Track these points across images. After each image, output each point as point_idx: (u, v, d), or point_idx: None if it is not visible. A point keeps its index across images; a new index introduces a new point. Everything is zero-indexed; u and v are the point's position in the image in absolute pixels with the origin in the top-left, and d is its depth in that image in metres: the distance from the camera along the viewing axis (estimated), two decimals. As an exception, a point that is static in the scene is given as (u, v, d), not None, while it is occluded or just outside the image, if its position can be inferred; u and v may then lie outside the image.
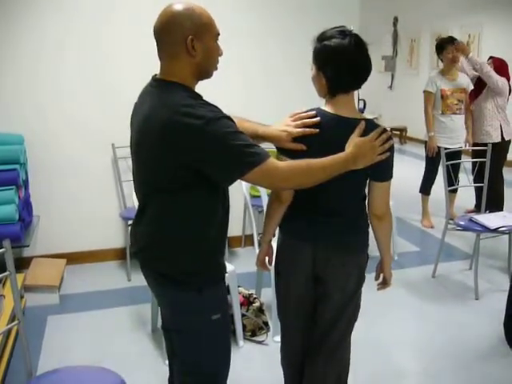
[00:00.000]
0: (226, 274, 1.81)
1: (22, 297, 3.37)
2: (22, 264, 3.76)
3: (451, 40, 4.76)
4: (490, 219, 3.59)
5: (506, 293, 3.01)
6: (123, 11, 3.85)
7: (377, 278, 2.07)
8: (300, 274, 1.93)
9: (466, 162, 4.53)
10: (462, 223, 3.68)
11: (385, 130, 1.77)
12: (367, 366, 2.75)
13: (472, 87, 4.86)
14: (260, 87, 4.24)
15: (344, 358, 2.03)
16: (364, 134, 1.73)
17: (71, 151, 3.94)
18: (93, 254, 4.13)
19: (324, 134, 1.77)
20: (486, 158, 3.85)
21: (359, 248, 1.92)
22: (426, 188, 5.08)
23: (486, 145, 4.08)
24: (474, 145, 4.92)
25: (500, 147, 4.78)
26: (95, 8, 3.79)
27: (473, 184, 4.41)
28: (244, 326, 3.02)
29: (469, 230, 3.66)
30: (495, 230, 3.52)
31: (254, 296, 3.15)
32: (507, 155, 5.08)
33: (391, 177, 1.86)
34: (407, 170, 7.16)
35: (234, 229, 4.30)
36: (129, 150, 1.73)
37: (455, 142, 4.77)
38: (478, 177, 4.38)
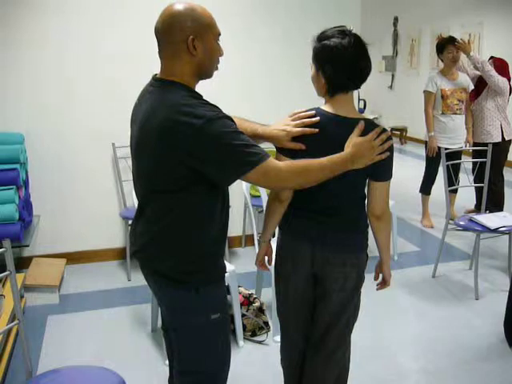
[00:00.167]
0: (226, 274, 1.81)
1: (21, 297, 3.37)
2: (21, 264, 3.78)
3: (451, 40, 4.75)
4: (490, 219, 3.59)
5: (506, 293, 3.01)
6: (124, 12, 3.85)
7: (376, 278, 2.07)
8: (300, 274, 1.93)
9: (467, 162, 4.53)
10: (462, 223, 3.67)
11: (384, 130, 1.76)
12: (367, 366, 2.74)
13: (472, 87, 4.85)
14: (260, 87, 4.24)
15: (344, 358, 2.03)
16: (363, 133, 1.73)
17: (71, 151, 3.94)
18: (93, 254, 4.12)
19: (323, 134, 1.77)
20: (486, 158, 3.85)
21: (358, 248, 1.91)
22: (426, 188, 5.07)
23: (486, 145, 4.07)
24: (475, 144, 4.92)
25: (500, 147, 4.79)
26: (96, 8, 3.79)
27: (473, 184, 4.41)
28: (244, 326, 3.02)
29: (469, 229, 3.66)
30: (495, 230, 3.51)
31: (254, 296, 3.15)
32: (508, 155, 5.08)
33: (391, 177, 1.86)
34: (407, 170, 7.17)
35: (234, 229, 4.30)
36: (129, 149, 1.73)
37: (455, 142, 4.77)
38: (478, 177, 4.38)
